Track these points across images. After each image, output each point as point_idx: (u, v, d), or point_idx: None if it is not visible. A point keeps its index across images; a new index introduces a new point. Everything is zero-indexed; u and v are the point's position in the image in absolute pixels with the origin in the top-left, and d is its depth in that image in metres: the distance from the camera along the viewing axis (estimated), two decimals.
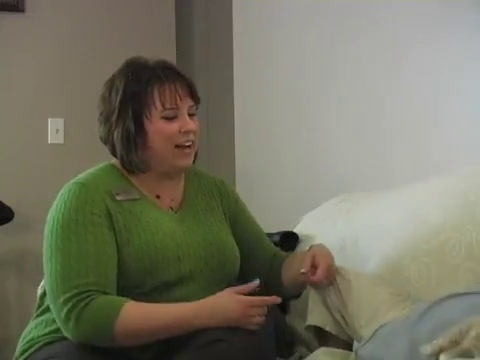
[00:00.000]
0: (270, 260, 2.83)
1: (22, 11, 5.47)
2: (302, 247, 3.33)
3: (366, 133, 3.70)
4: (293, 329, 2.86)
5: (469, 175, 2.89)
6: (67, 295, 2.34)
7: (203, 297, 2.44)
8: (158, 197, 2.64)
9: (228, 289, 2.42)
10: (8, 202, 4.93)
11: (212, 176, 2.87)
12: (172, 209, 2.66)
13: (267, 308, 2.39)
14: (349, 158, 3.82)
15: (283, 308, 2.95)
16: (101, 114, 2.60)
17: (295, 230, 3.45)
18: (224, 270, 2.65)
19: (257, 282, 2.44)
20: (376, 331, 2.51)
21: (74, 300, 2.33)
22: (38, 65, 5.24)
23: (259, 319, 2.34)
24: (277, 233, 3.41)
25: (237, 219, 2.80)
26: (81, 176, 2.58)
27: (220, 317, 2.33)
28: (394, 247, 2.90)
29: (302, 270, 2.53)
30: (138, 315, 2.34)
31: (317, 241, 3.26)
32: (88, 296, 2.33)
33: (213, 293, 2.47)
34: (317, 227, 3.39)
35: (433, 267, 2.73)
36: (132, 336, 2.34)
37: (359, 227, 3.15)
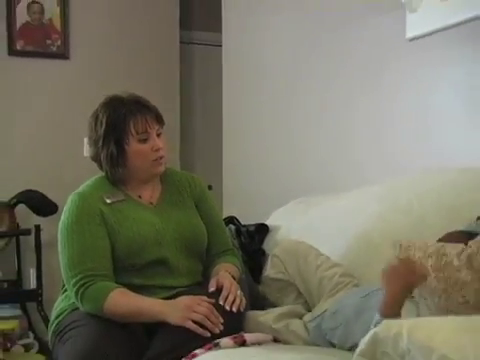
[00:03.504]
0: (213, 256, 2.74)
1: (68, 58, 5.48)
2: (272, 236, 3.32)
3: (335, 141, 3.62)
4: (264, 296, 2.82)
5: (395, 183, 2.89)
6: (73, 280, 2.45)
7: (182, 267, 2.58)
8: (140, 197, 2.66)
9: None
10: (53, 200, 4.94)
11: (185, 173, 2.88)
12: (152, 204, 2.67)
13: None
14: (313, 165, 3.77)
15: (256, 279, 2.92)
16: (90, 139, 2.63)
17: (267, 222, 3.42)
18: (196, 245, 2.67)
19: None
20: (325, 310, 2.48)
21: (78, 285, 2.44)
22: (79, 101, 5.24)
23: (199, 316, 2.33)
24: (253, 224, 3.39)
25: (199, 206, 2.76)
26: (80, 188, 2.64)
27: (177, 313, 2.35)
28: (338, 233, 2.89)
29: (211, 289, 2.47)
30: (119, 303, 2.41)
31: (282, 231, 3.28)
32: (87, 282, 2.43)
33: (190, 263, 2.63)
34: (283, 220, 3.36)
35: (362, 248, 2.72)
36: (116, 316, 2.40)
37: (314, 220, 3.14)
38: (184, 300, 2.40)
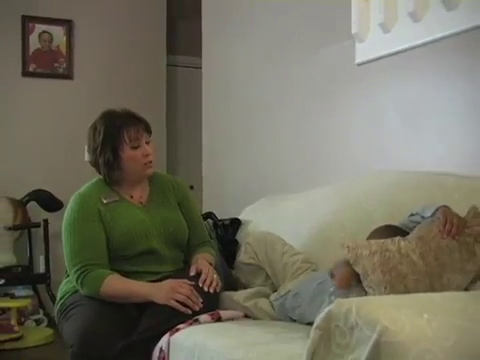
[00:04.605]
0: (193, 247, 2.71)
1: (72, 79, 5.46)
2: (243, 228, 3.31)
3: (296, 150, 3.58)
4: (237, 279, 2.82)
5: (347, 184, 2.90)
6: (74, 268, 2.44)
7: (166, 256, 2.53)
8: (132, 197, 2.64)
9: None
10: (59, 198, 4.92)
11: (170, 176, 2.85)
12: (141, 203, 2.64)
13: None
14: (279, 169, 3.75)
15: (230, 265, 2.92)
16: (89, 147, 2.61)
17: (239, 217, 3.41)
18: (178, 238, 2.65)
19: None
20: (289, 291, 2.49)
21: (78, 272, 2.43)
22: (80, 114, 5.20)
23: (181, 296, 2.33)
24: (228, 219, 3.38)
25: (181, 205, 2.73)
26: (81, 189, 2.61)
27: (162, 294, 2.34)
28: (299, 226, 2.90)
29: (191, 274, 2.48)
30: (113, 287, 2.40)
31: (253, 224, 3.26)
32: (86, 270, 2.42)
33: (173, 253, 2.58)
34: (253, 215, 3.36)
35: (319, 238, 2.72)
36: (110, 298, 2.39)
37: (279, 215, 3.13)
38: (168, 283, 2.39)
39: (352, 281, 1.98)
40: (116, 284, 2.40)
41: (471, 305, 1.55)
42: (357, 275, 1.97)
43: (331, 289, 1.96)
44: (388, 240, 1.96)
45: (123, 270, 2.47)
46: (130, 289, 2.40)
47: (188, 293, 2.34)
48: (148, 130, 2.62)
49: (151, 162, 2.61)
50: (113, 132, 2.54)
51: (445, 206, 2.04)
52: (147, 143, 2.60)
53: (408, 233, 2.05)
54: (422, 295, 1.70)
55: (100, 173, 2.62)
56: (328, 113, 3.30)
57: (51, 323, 4.59)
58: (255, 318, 2.51)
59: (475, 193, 2.18)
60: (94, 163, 2.61)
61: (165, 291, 2.35)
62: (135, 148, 2.55)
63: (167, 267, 2.57)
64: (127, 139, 2.54)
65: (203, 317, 2.35)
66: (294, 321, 2.41)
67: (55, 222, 4.61)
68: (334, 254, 2.18)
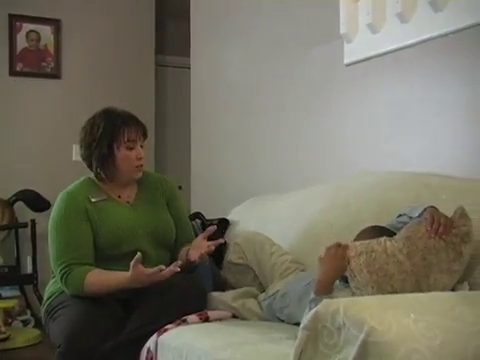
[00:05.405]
0: (180, 246, 2.69)
1: (59, 78, 5.44)
2: (231, 228, 3.31)
3: (285, 150, 3.60)
4: (225, 279, 2.82)
5: (335, 184, 2.90)
6: (59, 268, 2.43)
7: (153, 257, 2.51)
8: (119, 197, 2.64)
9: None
10: (46, 198, 4.90)
11: (158, 175, 2.85)
12: (129, 203, 2.65)
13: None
14: (267, 169, 3.76)
15: (219, 265, 2.91)
16: (83, 141, 2.59)
17: (227, 217, 3.41)
18: (165, 238, 2.66)
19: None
20: (277, 291, 2.49)
21: (62, 272, 2.42)
22: (68, 114, 5.21)
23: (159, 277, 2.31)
24: (216, 219, 3.38)
25: (169, 204, 2.74)
26: (69, 187, 2.61)
27: (140, 283, 2.33)
28: (288, 226, 2.90)
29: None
30: (95, 281, 2.40)
31: (241, 225, 3.26)
32: (70, 269, 2.41)
33: (159, 253, 2.58)
34: (241, 216, 3.36)
35: (308, 238, 2.73)
36: (95, 293, 2.40)
37: (267, 215, 3.13)
38: (144, 273, 2.34)
39: (332, 284, 1.98)
40: (96, 280, 2.40)
41: (458, 305, 1.55)
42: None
43: (311, 296, 1.95)
44: (373, 241, 1.97)
45: (110, 270, 2.45)
46: (110, 284, 2.40)
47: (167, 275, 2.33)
48: (145, 134, 2.64)
49: (142, 166, 2.63)
50: (113, 129, 2.55)
51: (432, 206, 2.05)
52: (141, 147, 2.62)
53: (396, 234, 2.05)
54: (409, 295, 1.70)
55: (91, 169, 2.61)
56: (322, 113, 3.30)
57: (38, 324, 4.57)
58: (243, 318, 2.51)
59: (462, 194, 2.19)
60: (87, 158, 2.60)
61: (141, 280, 2.33)
62: (130, 149, 2.57)
63: (153, 267, 2.55)
64: (125, 138, 2.55)
65: (191, 317, 2.36)
66: (282, 321, 2.41)
67: (42, 222, 4.58)
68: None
